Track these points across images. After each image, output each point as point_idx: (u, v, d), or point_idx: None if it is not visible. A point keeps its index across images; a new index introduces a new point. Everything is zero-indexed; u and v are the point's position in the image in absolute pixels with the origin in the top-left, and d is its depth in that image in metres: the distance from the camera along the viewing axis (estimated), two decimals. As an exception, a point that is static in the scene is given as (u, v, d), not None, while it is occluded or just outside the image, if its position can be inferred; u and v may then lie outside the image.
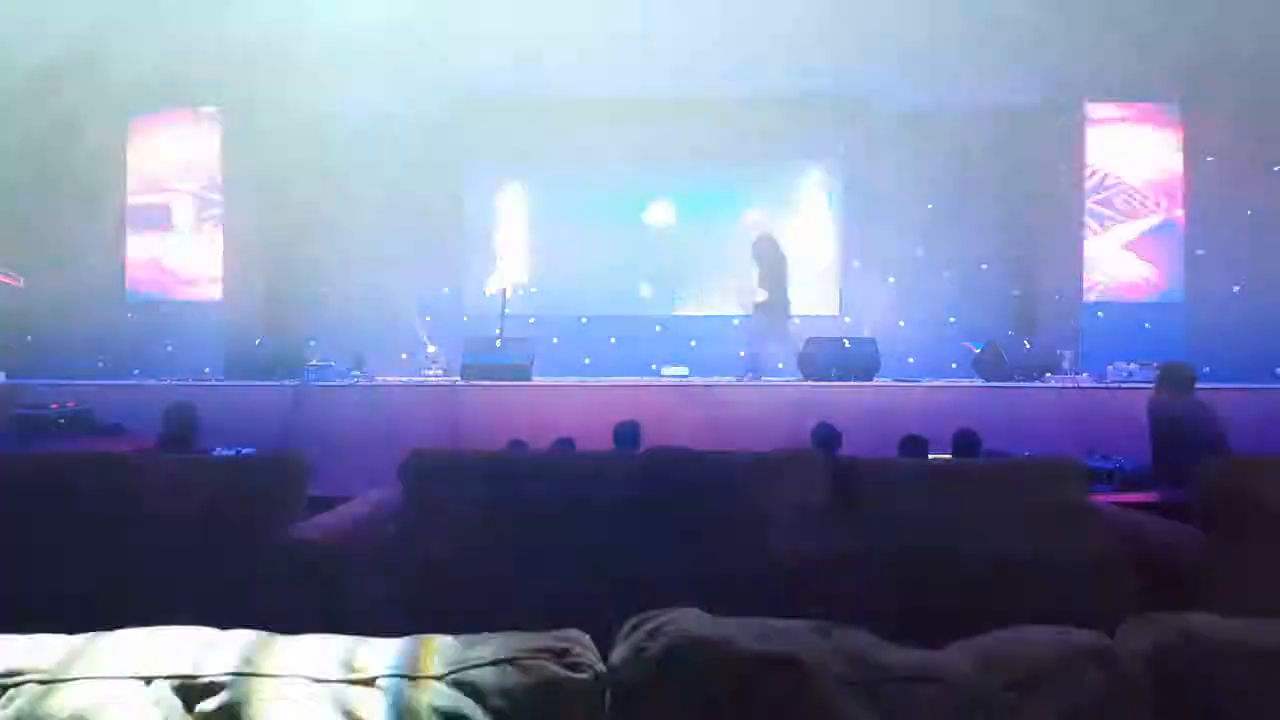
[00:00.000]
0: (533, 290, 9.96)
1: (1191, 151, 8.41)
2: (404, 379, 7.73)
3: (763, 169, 9.99)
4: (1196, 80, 8.38)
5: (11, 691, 0.87)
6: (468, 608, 2.29)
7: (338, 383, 7.06)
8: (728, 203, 10.03)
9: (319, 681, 0.90)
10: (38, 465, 2.45)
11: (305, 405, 6.73)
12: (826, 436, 5.07)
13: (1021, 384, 7.08)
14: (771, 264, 7.96)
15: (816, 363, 7.36)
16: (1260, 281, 7.95)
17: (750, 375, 7.84)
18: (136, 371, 7.97)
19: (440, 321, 9.69)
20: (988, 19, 8.35)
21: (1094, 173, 8.53)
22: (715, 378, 7.80)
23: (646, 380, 7.79)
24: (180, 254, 8.69)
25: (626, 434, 5.19)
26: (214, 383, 7.26)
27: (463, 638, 0.98)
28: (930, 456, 4.80)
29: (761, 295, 8.00)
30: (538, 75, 9.38)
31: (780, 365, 7.92)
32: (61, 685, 0.88)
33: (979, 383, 7.42)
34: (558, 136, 9.98)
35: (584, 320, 9.80)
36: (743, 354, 8.13)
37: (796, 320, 8.23)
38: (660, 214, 9.11)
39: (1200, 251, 8.33)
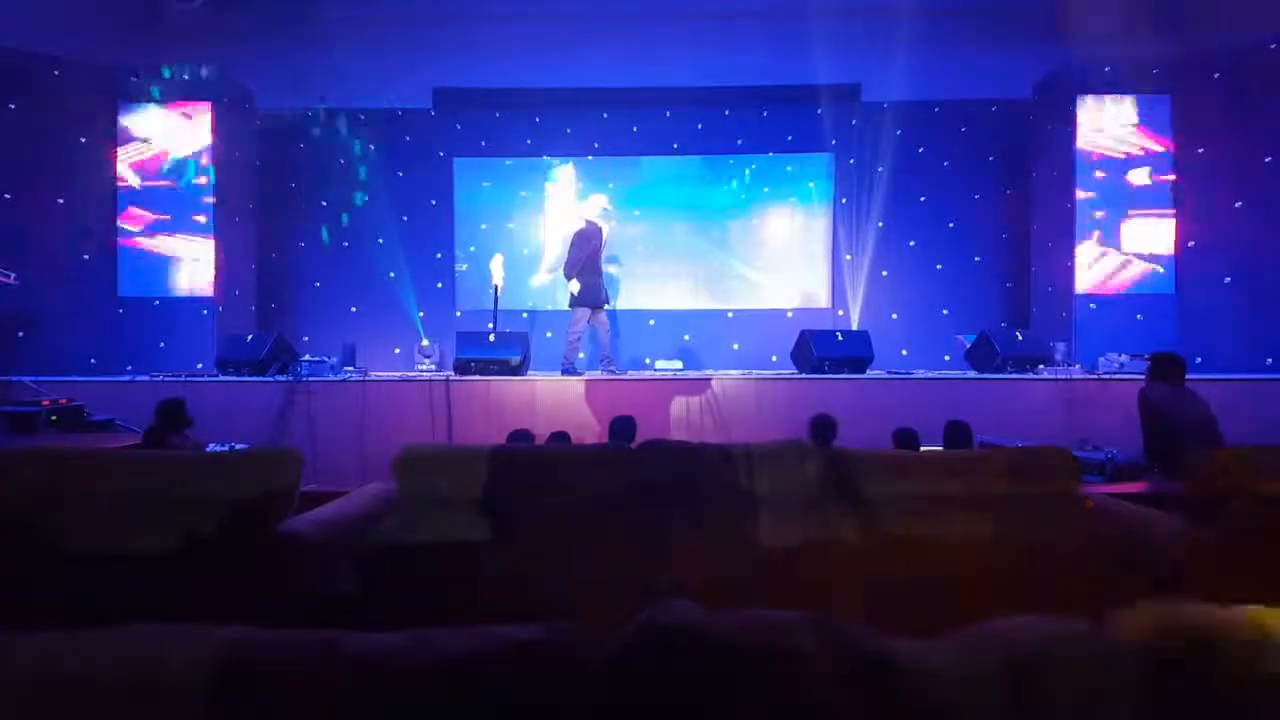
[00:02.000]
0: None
1: (1182, 144, 8.44)
2: (398, 374, 7.72)
3: (755, 160, 9.98)
4: (1188, 73, 8.40)
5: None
6: (462, 602, 2.30)
7: (331, 378, 7.05)
8: (719, 194, 10.02)
9: (313, 676, 0.90)
10: (30, 460, 2.43)
11: (298, 400, 6.72)
12: (824, 425, 5.08)
13: (1014, 375, 7.10)
14: (590, 251, 7.61)
15: (810, 355, 7.37)
16: (1251, 272, 7.99)
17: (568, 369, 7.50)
18: (129, 367, 7.95)
19: (433, 316, 9.71)
20: (980, 11, 8.36)
21: (1086, 164, 8.54)
22: (709, 371, 7.81)
23: (640, 374, 7.79)
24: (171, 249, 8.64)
25: (622, 428, 5.19)
26: (206, 378, 7.23)
27: (458, 631, 0.98)
28: (922, 448, 4.80)
29: (576, 285, 7.53)
30: (533, 66, 9.36)
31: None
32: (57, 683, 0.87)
33: (972, 374, 7.44)
34: (552, 127, 9.97)
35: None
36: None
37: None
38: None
39: (1191, 243, 8.37)
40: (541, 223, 10.05)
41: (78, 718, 0.86)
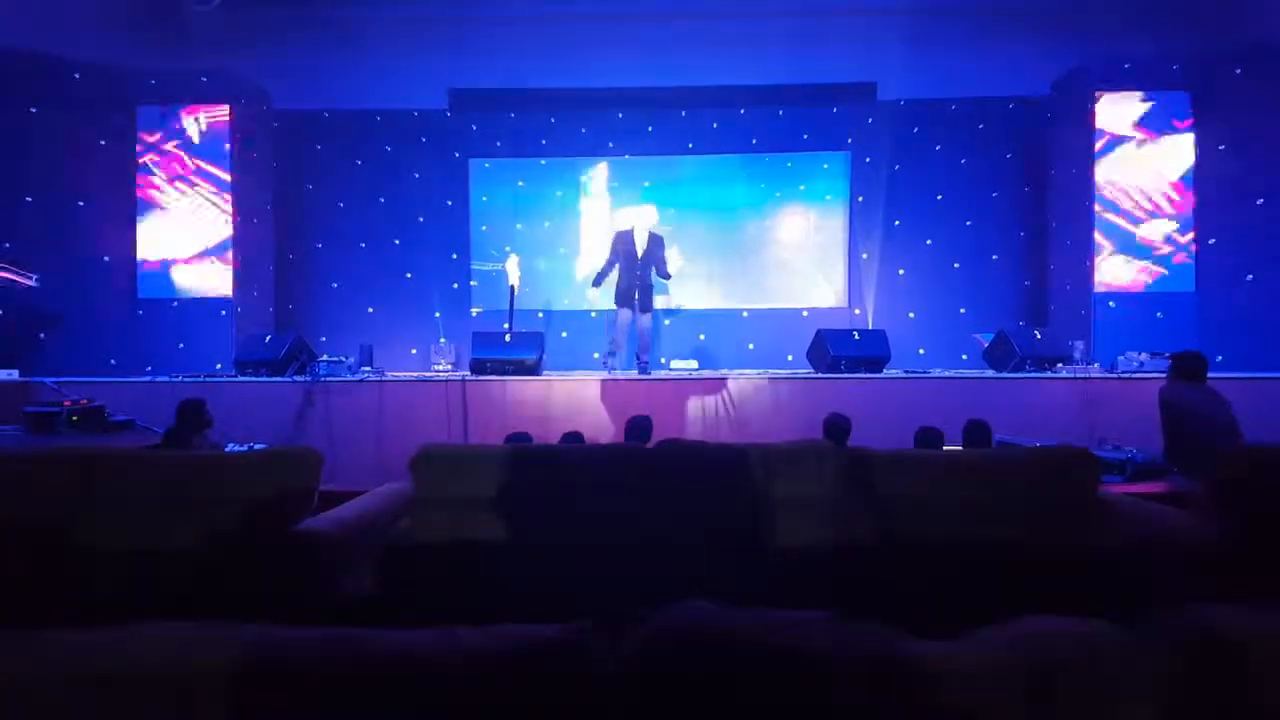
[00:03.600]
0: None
1: (1203, 140, 8.35)
2: (414, 374, 7.75)
3: (771, 159, 9.95)
4: (1208, 69, 8.32)
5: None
6: (479, 601, 2.30)
7: (348, 378, 7.08)
8: (734, 194, 10.00)
9: (335, 674, 0.90)
10: (50, 461, 2.46)
11: (316, 400, 6.76)
12: (838, 425, 5.05)
13: (1032, 374, 7.05)
14: (619, 253, 7.78)
15: (826, 354, 7.35)
16: (1273, 270, 7.90)
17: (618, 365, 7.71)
18: (149, 368, 8.02)
19: (449, 317, 9.75)
20: (997, 8, 8.31)
21: (1104, 162, 8.47)
22: (725, 370, 7.80)
23: (656, 374, 7.78)
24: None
25: (638, 428, 5.18)
26: (225, 379, 7.28)
27: (474, 630, 0.98)
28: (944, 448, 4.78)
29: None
30: (548, 66, 9.37)
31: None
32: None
33: (989, 373, 7.40)
34: (567, 127, 9.99)
35: (593, 315, 9.82)
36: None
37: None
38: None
39: (1212, 240, 8.28)
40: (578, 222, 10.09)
41: (104, 714, 0.87)
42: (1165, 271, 8.38)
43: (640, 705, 0.92)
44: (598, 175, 10.06)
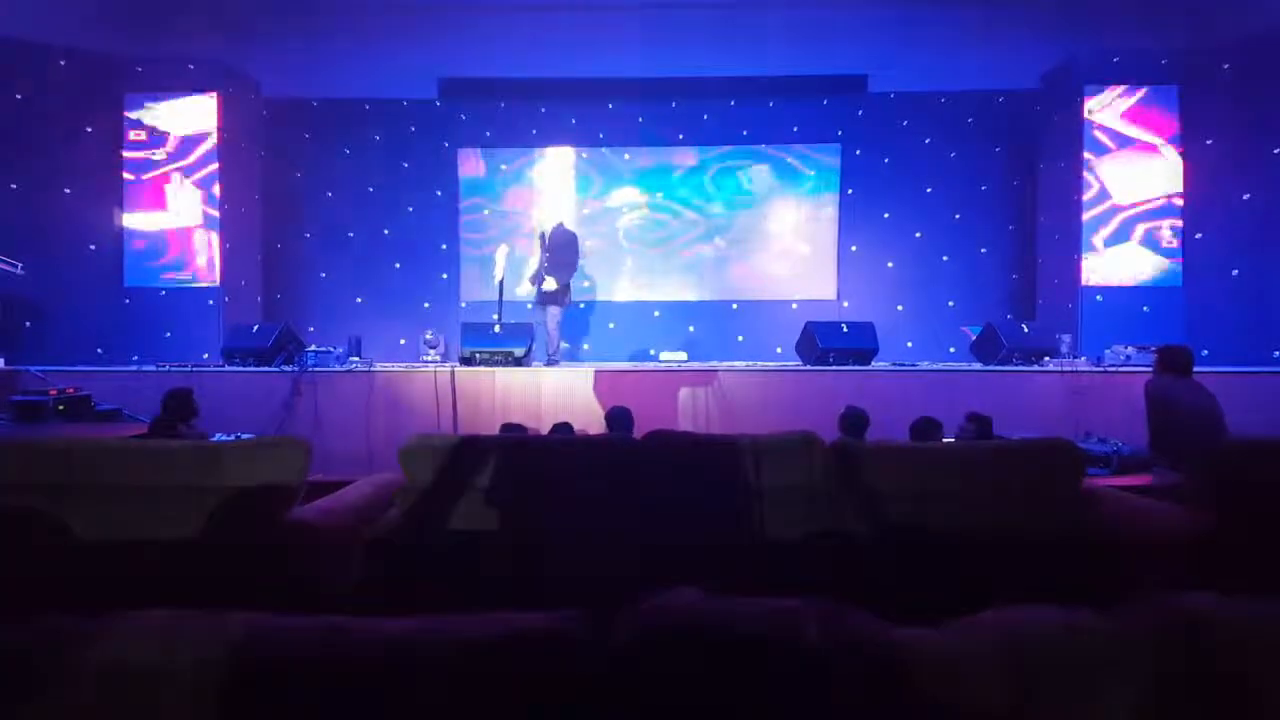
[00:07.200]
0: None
1: (1190, 134, 8.39)
2: (403, 365, 7.73)
3: (761, 151, 9.95)
4: (1196, 63, 8.36)
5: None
6: (469, 589, 2.31)
7: (336, 368, 7.05)
8: (726, 187, 10.00)
9: (326, 661, 0.90)
10: (38, 449, 2.45)
11: (304, 390, 6.73)
12: (855, 419, 5.07)
13: (1020, 368, 7.08)
14: (563, 250, 7.92)
15: (814, 347, 7.36)
16: (1258, 265, 7.96)
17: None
18: (135, 357, 7.98)
19: (438, 307, 9.73)
20: (987, 1, 8.31)
21: (1092, 156, 8.51)
22: (714, 362, 7.81)
23: (645, 365, 7.79)
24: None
25: (618, 419, 5.18)
26: (212, 368, 7.25)
27: (468, 618, 0.98)
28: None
29: (551, 283, 7.78)
30: (538, 56, 9.33)
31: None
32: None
33: (977, 366, 7.43)
34: (557, 117, 9.96)
35: (581, 305, 9.81)
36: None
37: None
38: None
39: (1199, 235, 8.33)
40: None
41: (93, 701, 0.87)
42: (1164, 266, 8.42)
43: (630, 692, 0.93)
44: (589, 165, 10.03)
